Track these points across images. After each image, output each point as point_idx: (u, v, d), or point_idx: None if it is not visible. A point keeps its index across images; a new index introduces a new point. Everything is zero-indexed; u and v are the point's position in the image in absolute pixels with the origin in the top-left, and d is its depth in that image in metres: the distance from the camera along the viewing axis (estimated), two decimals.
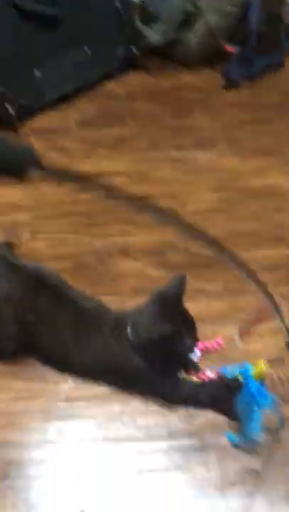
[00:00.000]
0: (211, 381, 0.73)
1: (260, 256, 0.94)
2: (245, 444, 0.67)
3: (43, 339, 0.75)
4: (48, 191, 1.05)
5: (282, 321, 0.60)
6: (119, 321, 0.73)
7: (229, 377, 0.72)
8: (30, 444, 0.69)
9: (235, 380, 0.70)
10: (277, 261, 0.93)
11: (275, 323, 0.82)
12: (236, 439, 0.68)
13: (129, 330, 0.71)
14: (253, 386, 0.68)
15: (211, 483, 0.65)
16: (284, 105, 1.29)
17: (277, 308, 0.59)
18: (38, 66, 1.21)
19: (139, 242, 0.96)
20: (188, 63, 1.40)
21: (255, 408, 0.67)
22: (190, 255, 0.94)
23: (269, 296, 0.58)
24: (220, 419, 0.71)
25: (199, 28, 1.32)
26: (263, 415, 0.67)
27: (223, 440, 0.69)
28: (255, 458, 0.68)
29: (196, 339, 0.72)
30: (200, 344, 0.76)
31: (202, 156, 1.14)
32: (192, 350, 0.73)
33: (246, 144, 1.18)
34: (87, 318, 0.74)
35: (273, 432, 0.68)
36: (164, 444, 0.69)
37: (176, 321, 0.69)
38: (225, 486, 0.65)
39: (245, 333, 0.65)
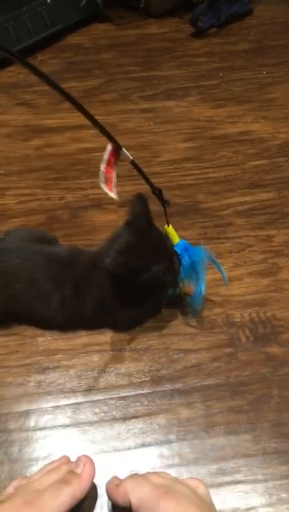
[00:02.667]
0: None
1: (236, 202, 0.92)
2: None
3: (22, 298, 0.69)
4: (13, 147, 1.00)
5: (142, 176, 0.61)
6: (97, 256, 0.69)
7: None
8: (9, 398, 0.67)
9: None
10: (253, 206, 0.91)
11: (253, 268, 0.82)
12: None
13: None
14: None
15: (196, 423, 0.64)
16: (254, 52, 1.25)
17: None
18: None
19: None
20: (154, 13, 1.35)
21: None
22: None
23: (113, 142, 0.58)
24: (203, 363, 0.71)
25: None
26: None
27: (206, 383, 0.68)
28: (239, 398, 0.67)
29: (174, 272, 0.68)
30: None
31: (173, 106, 1.11)
32: (173, 285, 0.71)
33: (217, 92, 1.15)
34: (62, 262, 0.70)
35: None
36: (147, 390, 0.68)
37: (145, 252, 0.64)
38: (210, 425, 0.64)
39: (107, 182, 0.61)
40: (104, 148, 1.04)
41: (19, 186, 0.94)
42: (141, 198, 0.67)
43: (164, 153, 1.01)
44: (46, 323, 0.73)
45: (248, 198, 0.93)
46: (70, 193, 0.93)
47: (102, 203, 0.91)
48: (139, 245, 0.64)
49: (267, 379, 0.69)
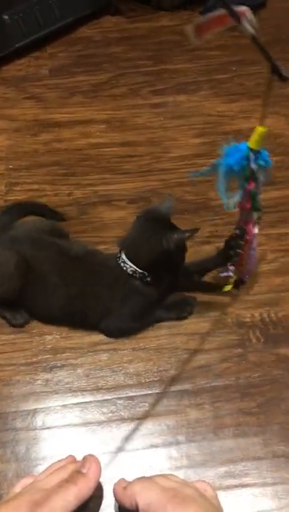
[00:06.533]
0: None
1: None
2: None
3: (32, 289, 0.71)
4: (22, 141, 0.99)
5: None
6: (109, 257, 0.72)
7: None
8: (17, 397, 0.66)
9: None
10: (265, 204, 0.89)
11: None
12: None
13: (124, 258, 0.69)
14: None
15: (205, 425, 0.64)
16: (267, 46, 1.23)
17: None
18: (6, 10, 1.13)
19: (122, 190, 0.92)
20: (165, 6, 1.33)
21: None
22: (175, 201, 0.90)
23: None
24: (212, 363, 0.70)
25: None
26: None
27: (216, 384, 0.68)
28: (249, 400, 0.66)
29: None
30: None
31: (184, 101, 1.09)
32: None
33: (230, 86, 1.13)
34: (75, 259, 0.72)
35: None
36: (156, 390, 0.67)
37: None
38: (219, 426, 0.63)
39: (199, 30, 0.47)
40: (113, 144, 1.04)
41: (27, 181, 0.93)
42: (170, 201, 0.73)
43: (174, 149, 0.99)
44: (44, 316, 0.73)
45: (263, 195, 0.91)
46: (79, 189, 0.92)
47: (111, 199, 0.90)
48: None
49: (277, 381, 0.67)
